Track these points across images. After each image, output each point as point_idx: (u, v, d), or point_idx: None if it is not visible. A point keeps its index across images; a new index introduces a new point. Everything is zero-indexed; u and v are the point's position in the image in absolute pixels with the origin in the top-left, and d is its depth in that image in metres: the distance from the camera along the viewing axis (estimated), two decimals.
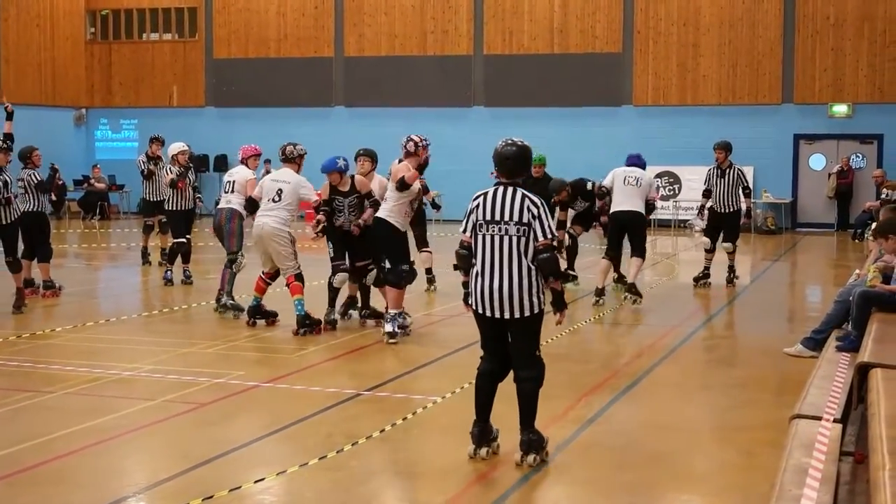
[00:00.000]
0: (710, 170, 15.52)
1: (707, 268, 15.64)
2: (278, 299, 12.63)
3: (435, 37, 30.18)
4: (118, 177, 30.87)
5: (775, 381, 9.68)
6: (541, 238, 6.68)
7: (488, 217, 6.75)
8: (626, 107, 28.94)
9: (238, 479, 6.49)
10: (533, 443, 6.86)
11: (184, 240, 15.54)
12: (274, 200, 11.53)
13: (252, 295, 12.05)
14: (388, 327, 11.05)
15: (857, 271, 11.44)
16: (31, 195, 14.01)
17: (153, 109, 32.19)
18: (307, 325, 11.46)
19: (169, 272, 15.68)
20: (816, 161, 28.29)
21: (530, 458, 6.83)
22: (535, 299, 6.75)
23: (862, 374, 6.92)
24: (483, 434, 6.97)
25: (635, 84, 28.91)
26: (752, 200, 26.99)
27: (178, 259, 15.67)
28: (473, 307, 6.91)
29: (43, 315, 12.98)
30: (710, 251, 15.61)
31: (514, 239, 6.70)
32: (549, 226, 6.73)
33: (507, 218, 6.70)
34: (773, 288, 16.78)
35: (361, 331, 11.79)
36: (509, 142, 6.90)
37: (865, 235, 21.23)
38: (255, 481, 6.45)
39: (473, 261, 6.89)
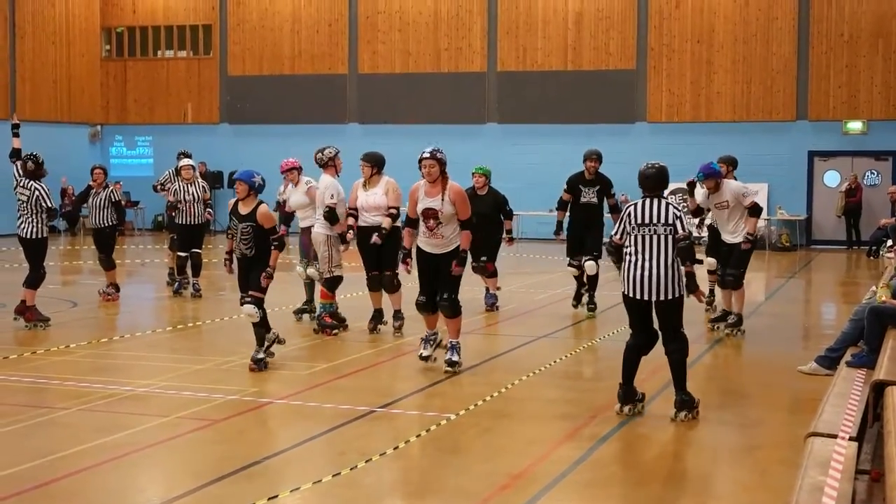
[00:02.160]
0: None
1: (712, 290, 15.10)
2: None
3: (449, 54, 30.26)
4: (133, 193, 30.98)
5: (790, 399, 9.65)
6: (681, 232, 8.35)
7: (640, 221, 8.40)
8: (639, 123, 28.96)
9: (251, 496, 6.48)
10: (685, 402, 8.42)
11: (184, 254, 15.94)
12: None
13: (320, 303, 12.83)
14: (451, 356, 10.43)
15: (873, 288, 11.40)
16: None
17: (168, 126, 32.32)
18: (324, 325, 12.51)
19: (177, 283, 15.96)
20: (831, 178, 28.22)
21: (682, 414, 8.38)
22: (678, 285, 8.36)
23: (877, 391, 6.89)
24: (627, 395, 8.59)
25: (649, 101, 28.94)
26: (766, 217, 27.06)
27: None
28: (627, 293, 8.41)
29: (58, 331, 13.00)
30: (714, 272, 14.29)
31: (662, 237, 8.35)
32: (686, 224, 8.42)
33: (655, 221, 8.37)
34: (788, 305, 16.74)
35: (375, 348, 11.79)
36: (650, 164, 8.60)
37: (881, 253, 21.14)
38: (269, 498, 6.44)
39: (626, 253, 8.45)
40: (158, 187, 17.15)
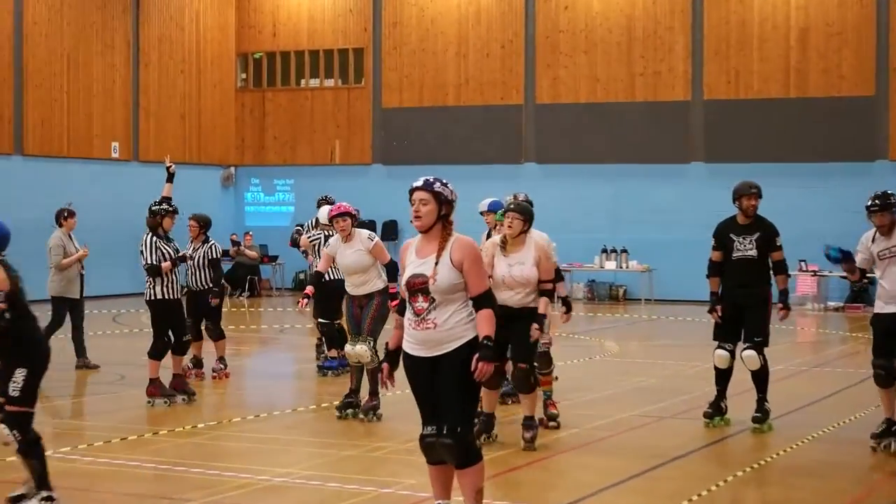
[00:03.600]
0: None
1: None
2: None
3: (645, 80, 30.17)
4: (270, 246, 31.61)
5: None
6: None
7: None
8: (881, 161, 28.30)
9: None
10: None
11: (324, 321, 15.42)
12: None
13: None
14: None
15: None
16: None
17: (312, 168, 32.88)
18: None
19: (324, 358, 15.89)
20: None
21: None
22: None
23: None
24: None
25: (892, 134, 28.30)
26: None
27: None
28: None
29: (184, 409, 13.28)
30: None
31: None
32: None
33: None
34: None
35: (543, 437, 11.57)
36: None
37: None
38: None
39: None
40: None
